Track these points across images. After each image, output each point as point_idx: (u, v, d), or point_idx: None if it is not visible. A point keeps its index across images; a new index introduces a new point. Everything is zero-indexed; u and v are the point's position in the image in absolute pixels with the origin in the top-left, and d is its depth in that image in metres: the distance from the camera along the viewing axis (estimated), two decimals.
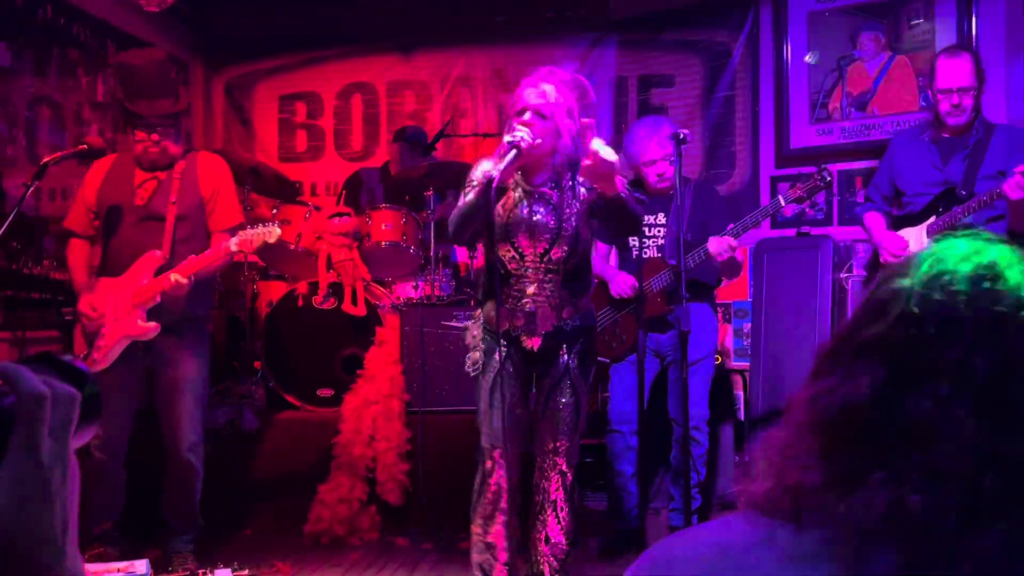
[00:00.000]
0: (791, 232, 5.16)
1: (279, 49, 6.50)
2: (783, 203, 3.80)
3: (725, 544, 0.77)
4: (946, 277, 0.75)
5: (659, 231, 4.11)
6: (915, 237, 3.68)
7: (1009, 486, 0.67)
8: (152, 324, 3.52)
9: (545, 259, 2.95)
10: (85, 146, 3.42)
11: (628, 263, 4.12)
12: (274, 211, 4.84)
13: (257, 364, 4.90)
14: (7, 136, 4.59)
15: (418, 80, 6.43)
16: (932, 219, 3.66)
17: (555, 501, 3.05)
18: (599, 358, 4.35)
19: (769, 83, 5.65)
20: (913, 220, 3.75)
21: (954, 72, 3.65)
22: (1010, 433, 0.69)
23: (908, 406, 0.72)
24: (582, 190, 2.96)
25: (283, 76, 6.57)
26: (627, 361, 4.07)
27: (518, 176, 2.99)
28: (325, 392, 4.69)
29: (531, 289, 2.96)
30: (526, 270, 2.96)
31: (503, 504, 2.98)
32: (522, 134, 2.79)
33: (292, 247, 4.76)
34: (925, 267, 0.77)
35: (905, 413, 0.72)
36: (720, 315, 4.83)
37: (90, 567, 3.01)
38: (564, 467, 3.04)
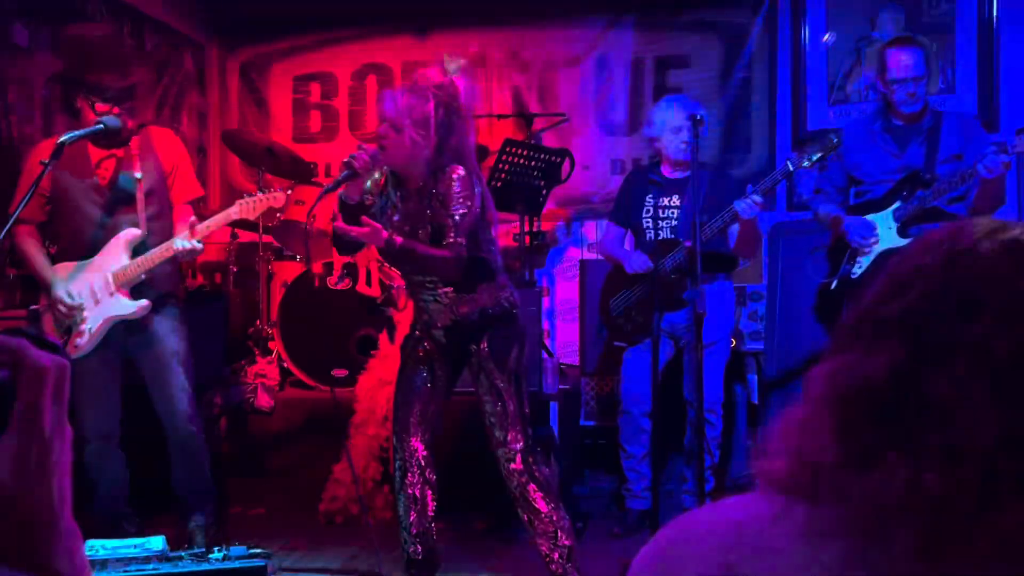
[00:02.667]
0: (807, 215, 5.13)
1: (294, 30, 6.49)
2: (791, 167, 3.78)
3: (742, 521, 0.77)
4: (969, 255, 0.75)
5: (673, 213, 4.11)
6: (882, 221, 3.72)
7: None
8: (144, 302, 3.51)
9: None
10: (102, 126, 3.41)
11: (643, 246, 4.13)
12: (288, 192, 4.84)
13: (272, 344, 4.93)
14: (24, 115, 4.61)
15: (434, 61, 6.41)
16: (897, 204, 3.71)
17: (524, 500, 3.06)
18: (616, 343, 4.37)
19: (787, 65, 5.60)
20: (875, 206, 3.81)
21: (908, 62, 3.73)
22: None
23: (926, 385, 0.71)
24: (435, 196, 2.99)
25: (298, 57, 6.56)
26: (641, 344, 4.08)
27: (391, 184, 3.09)
28: (339, 372, 4.72)
29: (420, 291, 3.10)
30: (408, 276, 3.12)
31: (407, 481, 3.13)
32: (358, 155, 2.90)
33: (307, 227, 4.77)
34: (947, 244, 0.76)
35: (923, 392, 0.71)
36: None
37: (107, 543, 3.03)
38: (517, 462, 3.05)
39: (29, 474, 0.65)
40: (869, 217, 3.76)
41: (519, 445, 3.04)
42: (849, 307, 0.83)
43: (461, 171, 2.96)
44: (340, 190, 2.99)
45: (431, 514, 3.17)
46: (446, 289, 3.04)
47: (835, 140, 3.68)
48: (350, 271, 4.75)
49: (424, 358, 3.17)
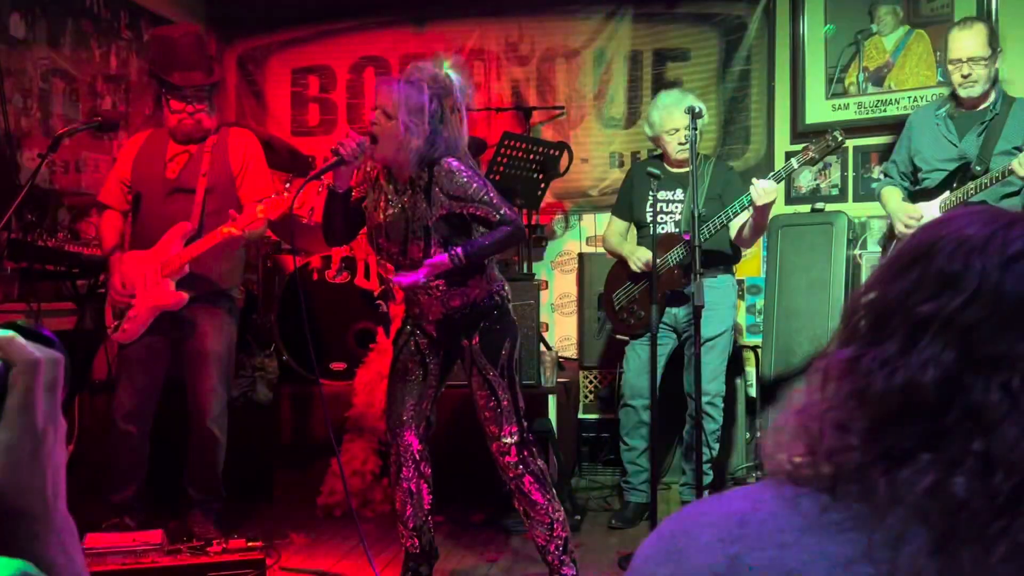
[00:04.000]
0: (805, 208, 5.13)
1: (292, 21, 6.46)
2: (795, 165, 3.77)
3: (747, 511, 0.77)
4: (1019, 258, 0.72)
5: (676, 207, 4.10)
6: (928, 212, 3.65)
7: None
8: (182, 294, 3.55)
9: (406, 258, 3.02)
10: (99, 119, 3.44)
11: (645, 239, 4.12)
12: (287, 185, 4.82)
13: (270, 337, 4.92)
14: (22, 108, 4.59)
15: (431, 53, 6.39)
16: (945, 194, 3.62)
17: (520, 492, 3.07)
18: (618, 335, 4.37)
19: (785, 57, 5.59)
20: (928, 196, 3.72)
21: (965, 42, 3.59)
22: None
23: (975, 393, 0.69)
24: (439, 194, 2.96)
25: (296, 49, 6.53)
26: (644, 337, 4.08)
27: (384, 177, 3.08)
28: (338, 366, 4.71)
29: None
30: (399, 267, 3.07)
31: (402, 475, 3.15)
32: (345, 142, 2.90)
33: (305, 221, 4.76)
34: (999, 243, 0.73)
35: (970, 400, 0.69)
36: None
37: (107, 537, 3.04)
38: (512, 455, 3.06)
39: (21, 467, 0.65)
40: (920, 205, 3.69)
41: (513, 439, 3.05)
42: (862, 291, 0.81)
43: (454, 161, 2.96)
44: (327, 179, 2.99)
45: (427, 507, 3.18)
46: (437, 282, 3.02)
47: (839, 139, 3.63)
48: (348, 265, 4.74)
49: (416, 352, 3.18)
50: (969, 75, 3.60)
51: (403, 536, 3.18)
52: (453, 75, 3.06)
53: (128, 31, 5.49)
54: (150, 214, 3.70)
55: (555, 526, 3.08)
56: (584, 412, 4.99)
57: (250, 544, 3.02)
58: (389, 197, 3.06)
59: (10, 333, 0.68)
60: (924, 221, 3.54)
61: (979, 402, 0.69)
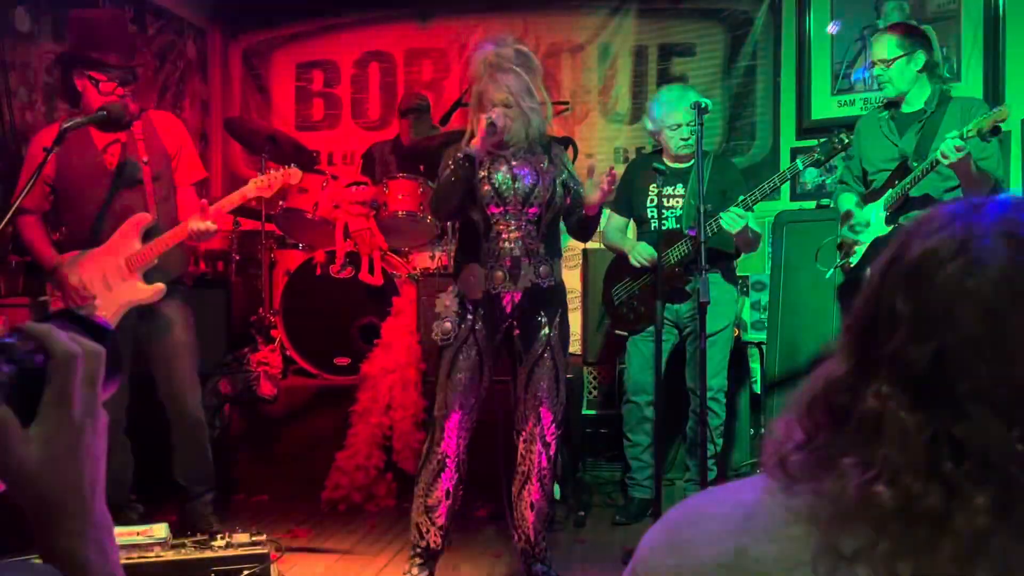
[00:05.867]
0: (810, 205, 5.12)
1: (296, 16, 6.47)
2: (800, 166, 3.77)
3: (752, 503, 0.76)
4: (899, 262, 0.74)
5: (677, 202, 4.09)
6: (874, 213, 3.69)
7: (972, 467, 0.67)
8: (160, 285, 3.49)
9: (525, 212, 3.11)
10: (104, 112, 3.40)
11: (646, 235, 4.10)
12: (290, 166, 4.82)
13: (275, 332, 4.93)
14: (26, 102, 4.60)
15: (436, 48, 6.38)
16: (887, 192, 3.66)
17: (540, 471, 3.17)
18: (617, 331, 4.36)
19: (791, 53, 5.57)
20: (875, 196, 3.76)
21: (874, 47, 3.74)
22: (952, 420, 0.68)
23: (863, 401, 0.72)
24: (555, 167, 3.17)
25: (300, 44, 6.54)
26: (645, 333, 4.07)
27: (496, 151, 3.15)
28: (342, 361, 4.71)
29: (514, 235, 3.10)
30: (509, 219, 3.10)
31: (447, 472, 3.13)
32: (496, 116, 3.02)
33: (309, 216, 4.76)
34: (893, 247, 0.76)
35: (860, 407, 0.72)
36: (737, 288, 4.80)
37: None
38: (548, 438, 3.16)
39: (58, 461, 0.64)
40: (868, 207, 3.74)
41: (560, 431, 3.21)
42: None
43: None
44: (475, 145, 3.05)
45: (456, 510, 3.21)
46: (538, 242, 3.15)
47: (845, 139, 3.65)
48: (352, 259, 4.74)
49: (474, 346, 3.15)
50: (879, 76, 3.74)
51: (427, 532, 3.17)
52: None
53: (132, 25, 5.49)
54: (94, 208, 3.51)
55: (548, 521, 3.24)
56: (587, 408, 4.98)
57: (254, 539, 3.02)
58: (509, 160, 3.17)
59: (48, 325, 0.67)
60: (871, 224, 3.63)
61: (864, 409, 0.72)
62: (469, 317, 3.12)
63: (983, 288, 0.69)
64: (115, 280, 3.48)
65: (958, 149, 3.27)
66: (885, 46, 3.69)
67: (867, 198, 3.80)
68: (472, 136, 3.10)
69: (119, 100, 3.45)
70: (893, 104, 3.81)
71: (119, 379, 0.74)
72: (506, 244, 3.11)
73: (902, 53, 3.67)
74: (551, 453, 3.17)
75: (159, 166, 3.61)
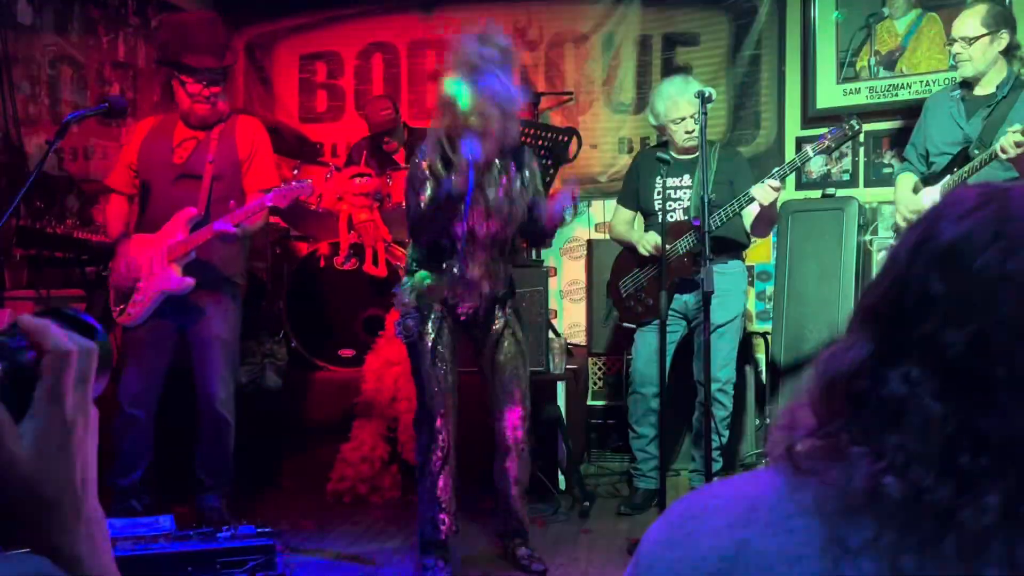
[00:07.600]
0: (817, 193, 5.09)
1: (299, 7, 6.44)
2: (811, 153, 3.72)
3: (757, 496, 0.76)
4: (929, 243, 0.72)
5: (684, 193, 4.07)
6: (930, 198, 3.60)
7: (990, 461, 0.66)
8: (188, 279, 3.56)
9: (495, 238, 3.19)
10: (106, 104, 3.41)
11: (654, 227, 4.09)
12: (295, 171, 4.83)
13: (280, 324, 4.93)
14: (29, 95, 4.59)
15: (439, 39, 6.35)
16: (946, 178, 3.57)
17: (517, 445, 3.30)
18: (624, 323, 4.36)
19: (796, 42, 5.54)
20: (934, 180, 3.67)
21: (958, 21, 3.57)
22: (981, 409, 0.67)
23: (886, 385, 0.70)
24: (521, 175, 3.23)
25: (304, 35, 6.51)
26: (653, 324, 4.05)
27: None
28: (347, 352, 4.72)
29: (475, 264, 3.17)
30: (474, 247, 3.16)
31: (450, 462, 3.24)
32: (472, 148, 2.97)
33: (313, 207, 4.76)
34: (922, 226, 0.74)
35: (882, 391, 0.70)
36: None
37: (115, 522, 3.04)
38: (521, 411, 3.30)
39: (50, 457, 0.64)
40: (924, 192, 3.64)
41: (528, 410, 3.35)
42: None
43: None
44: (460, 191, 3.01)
45: (459, 487, 3.35)
46: (498, 264, 3.27)
47: (855, 127, 3.57)
48: (356, 251, 4.73)
49: (448, 339, 3.27)
50: (959, 54, 3.55)
51: (442, 523, 3.23)
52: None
53: (135, 18, 5.49)
54: (157, 199, 3.71)
55: (524, 485, 3.39)
56: (593, 399, 4.98)
57: (259, 530, 3.02)
58: (485, 176, 3.20)
59: (43, 321, 0.67)
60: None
61: (888, 394, 0.70)
62: (440, 310, 3.25)
63: None
64: (158, 267, 3.58)
65: (1018, 144, 3.16)
66: (969, 23, 3.51)
67: (927, 181, 3.70)
68: (451, 142, 3.07)
69: (206, 101, 3.67)
70: (966, 84, 3.66)
71: (108, 374, 0.74)
72: (470, 266, 3.18)
73: (987, 31, 3.48)
74: (525, 427, 3.31)
75: (224, 168, 3.71)
